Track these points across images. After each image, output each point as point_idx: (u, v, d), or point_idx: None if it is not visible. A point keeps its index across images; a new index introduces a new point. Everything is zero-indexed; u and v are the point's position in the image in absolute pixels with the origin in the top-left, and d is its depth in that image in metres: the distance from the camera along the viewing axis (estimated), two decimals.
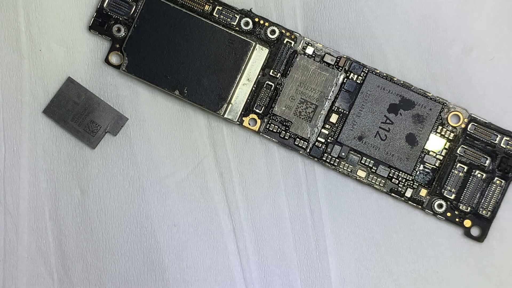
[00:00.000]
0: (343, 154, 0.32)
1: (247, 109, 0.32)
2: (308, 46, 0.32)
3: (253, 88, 0.32)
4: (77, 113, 0.32)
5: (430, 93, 0.32)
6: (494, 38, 0.32)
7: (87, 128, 0.32)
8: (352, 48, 0.33)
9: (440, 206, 0.32)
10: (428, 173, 0.32)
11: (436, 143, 0.32)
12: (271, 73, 0.32)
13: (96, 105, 0.32)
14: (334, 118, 0.32)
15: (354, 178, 0.32)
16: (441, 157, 0.32)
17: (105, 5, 0.33)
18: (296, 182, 0.33)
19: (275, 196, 0.33)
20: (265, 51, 0.32)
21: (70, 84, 0.32)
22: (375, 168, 0.32)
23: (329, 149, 0.32)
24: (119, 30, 0.33)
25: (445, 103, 0.32)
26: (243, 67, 0.32)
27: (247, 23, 0.32)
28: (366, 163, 0.32)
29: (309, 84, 0.32)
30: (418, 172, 0.32)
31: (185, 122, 0.33)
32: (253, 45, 0.32)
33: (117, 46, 0.33)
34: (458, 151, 0.32)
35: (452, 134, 0.32)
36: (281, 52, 0.32)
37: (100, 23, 0.33)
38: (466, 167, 0.32)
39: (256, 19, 0.32)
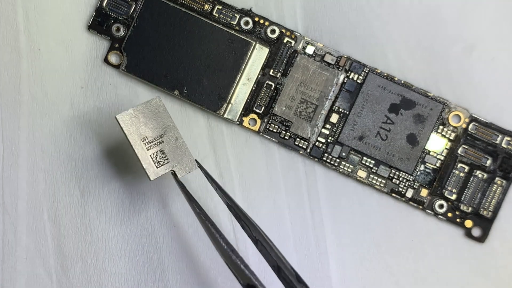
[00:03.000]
0: (343, 154, 0.32)
1: (247, 109, 0.32)
2: (309, 46, 0.32)
3: (253, 88, 0.32)
4: (150, 136, 0.29)
5: (431, 93, 0.32)
6: (495, 37, 0.32)
7: (153, 157, 0.29)
8: (352, 47, 0.33)
9: (441, 206, 0.32)
10: (429, 173, 0.32)
11: (437, 143, 0.32)
12: (271, 73, 0.32)
13: (172, 139, 0.29)
14: (334, 118, 0.32)
15: (354, 179, 0.32)
16: (442, 157, 0.32)
17: (104, 4, 0.32)
18: (296, 182, 0.33)
19: (275, 196, 0.33)
20: (265, 50, 0.32)
21: (157, 105, 0.29)
22: (376, 168, 0.32)
23: (329, 149, 0.32)
24: (118, 29, 0.32)
25: (446, 103, 0.32)
26: (243, 66, 0.32)
27: (247, 23, 0.32)
28: (366, 163, 0.32)
29: (310, 84, 0.32)
30: (419, 172, 0.32)
31: (185, 122, 0.33)
32: (253, 44, 0.32)
33: (117, 45, 0.32)
34: (459, 151, 0.32)
35: (453, 134, 0.32)
36: (281, 51, 0.32)
37: (99, 23, 0.33)
38: (467, 167, 0.32)
39: (256, 19, 0.32)
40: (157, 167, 0.29)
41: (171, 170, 0.29)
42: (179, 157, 0.29)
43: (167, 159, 0.29)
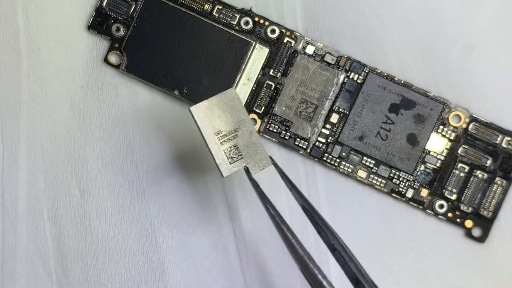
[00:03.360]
0: (343, 154, 0.32)
1: (247, 109, 0.32)
2: (309, 46, 0.32)
3: (253, 88, 0.32)
4: (224, 130, 0.27)
5: (431, 93, 0.32)
6: (495, 37, 0.32)
7: (227, 152, 0.27)
8: (352, 47, 0.32)
9: (441, 206, 0.32)
10: (429, 173, 0.32)
11: (437, 143, 0.32)
12: (271, 73, 0.32)
13: (247, 133, 0.28)
14: (334, 118, 0.32)
15: (354, 179, 0.32)
16: (442, 157, 0.32)
17: (104, 4, 0.32)
18: (296, 182, 0.33)
19: (275, 196, 0.33)
20: (265, 50, 0.32)
21: (232, 97, 0.28)
22: (376, 169, 0.32)
23: (329, 149, 0.32)
24: (118, 29, 0.32)
25: (446, 103, 0.32)
26: (243, 66, 0.32)
27: (247, 23, 0.32)
28: (366, 163, 0.32)
29: (310, 84, 0.32)
30: (419, 172, 0.32)
31: (185, 122, 0.33)
32: (253, 44, 0.32)
33: (116, 45, 0.32)
34: (459, 151, 0.32)
35: (453, 134, 0.32)
36: (282, 51, 0.32)
37: (99, 23, 0.33)
38: (467, 167, 0.32)
39: (256, 19, 0.32)
40: (230, 163, 0.27)
41: (245, 166, 0.28)
42: (253, 153, 0.28)
43: (240, 155, 0.28)
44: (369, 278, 0.24)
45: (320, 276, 0.23)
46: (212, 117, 0.27)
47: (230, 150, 0.27)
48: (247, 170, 0.28)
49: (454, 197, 0.32)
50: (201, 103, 0.27)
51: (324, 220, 0.26)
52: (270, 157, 0.28)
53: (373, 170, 0.32)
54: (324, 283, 0.23)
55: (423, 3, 0.32)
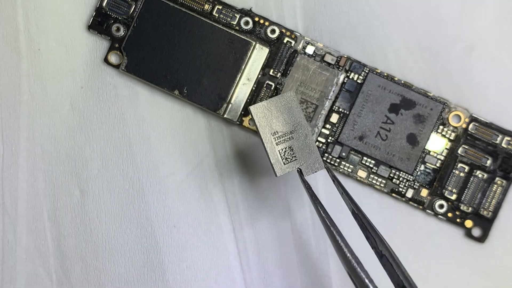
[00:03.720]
0: (343, 154, 0.32)
1: (247, 109, 0.32)
2: (309, 46, 0.32)
3: (253, 88, 0.32)
4: (280, 131, 0.28)
5: (431, 93, 0.32)
6: (495, 37, 0.32)
7: (281, 153, 0.28)
8: (352, 47, 0.32)
9: (441, 206, 0.32)
10: (429, 173, 0.32)
11: (437, 143, 0.32)
12: (271, 73, 0.32)
13: (302, 136, 0.28)
14: (334, 118, 0.32)
15: (354, 179, 0.32)
16: (442, 157, 0.32)
17: (104, 4, 0.32)
18: (296, 182, 0.33)
19: (275, 196, 0.33)
20: (265, 50, 0.32)
21: (291, 99, 0.28)
22: (376, 169, 0.32)
23: (329, 149, 0.32)
24: (118, 29, 0.32)
25: (446, 103, 0.32)
26: (243, 66, 0.32)
27: (247, 23, 0.32)
28: (366, 163, 0.32)
29: (310, 83, 0.32)
30: (419, 172, 0.32)
31: (185, 122, 0.33)
32: (253, 44, 0.32)
33: (116, 45, 0.32)
34: (459, 151, 0.32)
35: (453, 134, 0.32)
36: (281, 51, 0.32)
37: (99, 23, 0.33)
38: (467, 167, 0.32)
39: (256, 19, 0.32)
40: (284, 164, 0.28)
41: (298, 168, 0.28)
42: (306, 155, 0.28)
43: (295, 157, 0.28)
44: (415, 285, 0.25)
45: (367, 280, 0.24)
46: (270, 118, 0.28)
47: (285, 151, 0.28)
48: (300, 172, 0.28)
49: (454, 197, 0.32)
50: (261, 103, 0.28)
51: (373, 226, 0.27)
52: (324, 160, 0.28)
53: (373, 170, 0.32)
54: (371, 287, 0.24)
55: (423, 3, 0.32)
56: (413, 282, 0.25)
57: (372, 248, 0.27)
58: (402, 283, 0.25)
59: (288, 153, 0.28)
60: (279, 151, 0.28)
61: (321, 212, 0.27)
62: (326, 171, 0.29)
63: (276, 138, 0.28)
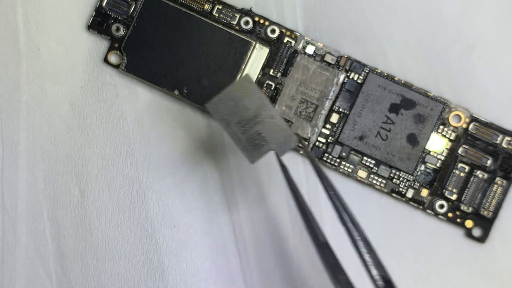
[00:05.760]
0: (343, 154, 0.32)
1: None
2: (309, 46, 0.32)
3: None
4: (244, 119, 0.27)
5: (431, 93, 0.32)
6: (495, 37, 0.32)
7: (251, 140, 0.27)
8: (353, 47, 0.32)
9: (441, 206, 0.32)
10: (429, 173, 0.32)
11: (437, 143, 0.32)
12: (271, 73, 0.32)
13: (268, 118, 0.27)
14: (334, 118, 0.32)
15: (354, 179, 0.32)
16: (442, 157, 0.32)
17: (104, 4, 0.32)
18: (296, 182, 0.33)
19: (275, 196, 0.33)
20: (265, 50, 0.32)
21: (245, 84, 0.27)
22: (376, 169, 0.32)
23: (329, 149, 0.32)
24: (118, 29, 0.32)
25: (446, 103, 0.32)
26: (243, 66, 0.32)
27: (247, 22, 0.32)
28: (367, 164, 0.32)
29: (310, 83, 0.32)
30: (419, 172, 0.32)
31: (185, 122, 0.33)
32: (253, 44, 0.32)
33: (116, 45, 0.32)
34: (459, 151, 0.32)
35: (453, 134, 0.32)
36: (282, 51, 0.32)
37: (99, 22, 0.33)
38: (467, 167, 0.32)
39: (256, 18, 0.32)
40: (255, 150, 0.27)
41: (270, 150, 0.27)
42: (277, 135, 0.27)
43: (265, 140, 0.27)
44: (389, 276, 0.26)
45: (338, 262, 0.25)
46: (230, 109, 0.27)
47: (253, 137, 0.27)
48: (276, 154, 0.27)
49: (454, 197, 0.32)
50: (216, 97, 0.27)
51: (348, 209, 0.27)
52: (297, 134, 0.27)
53: (373, 170, 0.32)
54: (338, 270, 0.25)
55: (423, 3, 0.32)
56: (388, 272, 0.26)
57: (347, 233, 0.27)
58: (377, 270, 0.26)
59: (257, 138, 0.27)
60: (247, 139, 0.27)
61: (297, 197, 0.26)
62: (301, 148, 0.28)
63: (241, 127, 0.27)
